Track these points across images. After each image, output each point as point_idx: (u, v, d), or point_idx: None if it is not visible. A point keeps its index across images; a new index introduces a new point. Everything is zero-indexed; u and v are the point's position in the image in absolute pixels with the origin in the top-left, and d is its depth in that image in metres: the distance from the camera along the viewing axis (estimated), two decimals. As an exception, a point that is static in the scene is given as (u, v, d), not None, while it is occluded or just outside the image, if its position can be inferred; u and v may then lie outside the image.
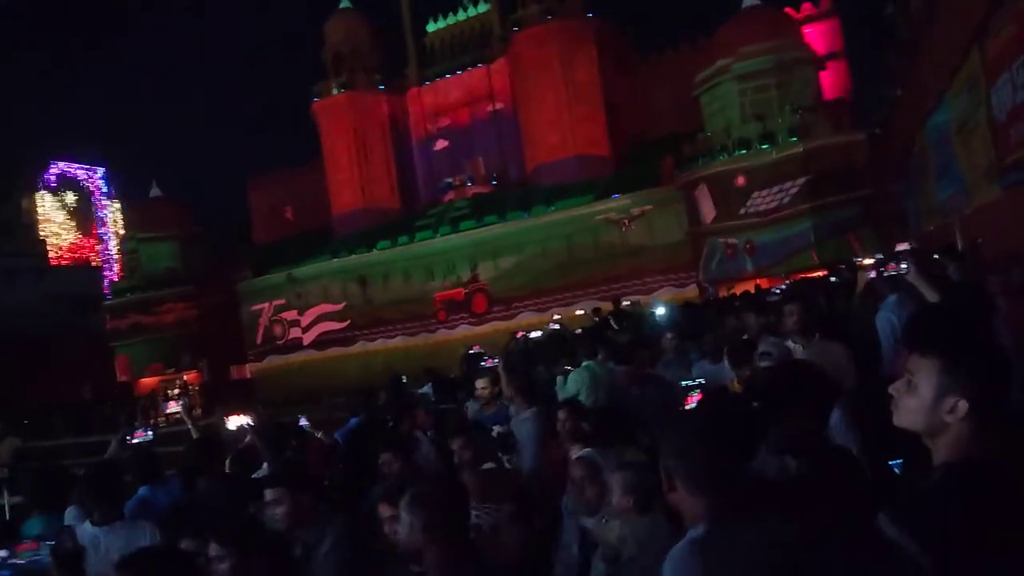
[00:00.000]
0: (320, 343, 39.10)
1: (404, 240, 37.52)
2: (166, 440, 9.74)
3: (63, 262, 60.62)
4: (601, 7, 38.09)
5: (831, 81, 33.09)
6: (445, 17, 43.24)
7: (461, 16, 42.86)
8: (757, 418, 2.16)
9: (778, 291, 11.21)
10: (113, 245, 62.62)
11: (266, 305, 40.52)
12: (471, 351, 11.78)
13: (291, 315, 39.94)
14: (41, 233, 60.91)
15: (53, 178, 64.00)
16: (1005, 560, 1.45)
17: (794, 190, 26.34)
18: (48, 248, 60.53)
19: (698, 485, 1.84)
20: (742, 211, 27.36)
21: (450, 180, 40.57)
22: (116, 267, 57.66)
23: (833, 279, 12.12)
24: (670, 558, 1.85)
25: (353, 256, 38.34)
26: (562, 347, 8.86)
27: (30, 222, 60.27)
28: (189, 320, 39.96)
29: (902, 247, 6.34)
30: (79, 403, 33.33)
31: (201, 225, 43.36)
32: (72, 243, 63.59)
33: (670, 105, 35.12)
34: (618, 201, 32.29)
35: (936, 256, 8.21)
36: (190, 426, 7.13)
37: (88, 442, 17.74)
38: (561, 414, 4.54)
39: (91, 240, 65.30)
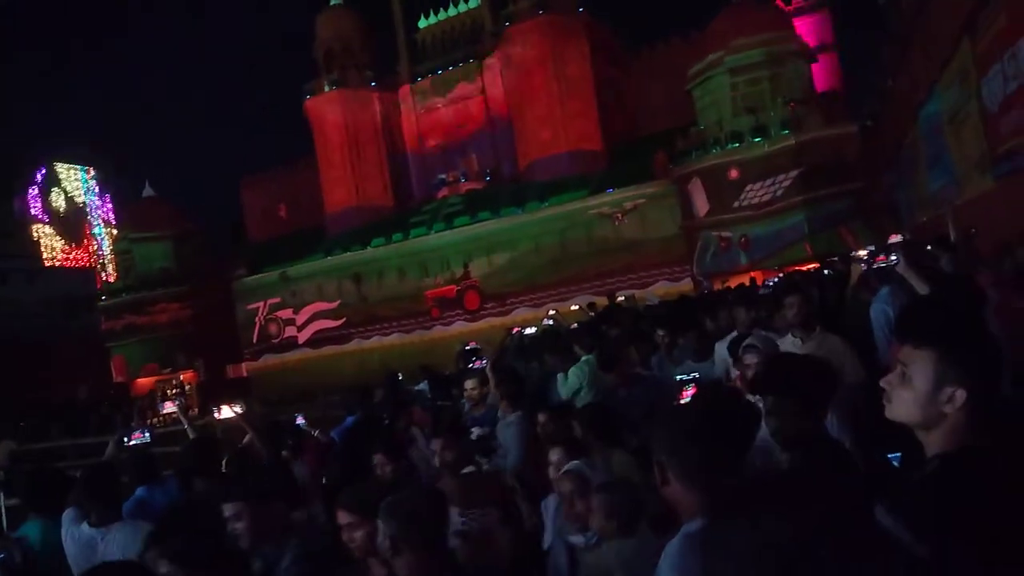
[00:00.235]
0: (315, 341, 39.07)
1: (398, 237, 37.48)
2: (163, 440, 9.73)
3: (57, 263, 60.41)
4: (592, 2, 38.07)
5: (823, 73, 33.19)
6: (436, 13, 43.15)
7: (452, 12, 42.79)
8: (752, 412, 2.16)
9: (771, 284, 11.23)
10: (106, 246, 62.43)
11: (261, 304, 40.47)
12: (466, 347, 11.75)
13: (286, 314, 39.90)
14: (34, 234, 60.70)
15: (46, 178, 63.72)
16: (1001, 550, 1.45)
17: (787, 183, 26.40)
18: (41, 249, 60.31)
19: (692, 479, 1.84)
20: (735, 204, 27.41)
21: (443, 176, 40.51)
22: (110, 268, 57.48)
23: (827, 271, 12.15)
24: (666, 555, 1.85)
25: (347, 254, 38.30)
26: (557, 342, 8.85)
27: (23, 223, 60.05)
28: (184, 320, 39.85)
29: (894, 239, 6.35)
30: (75, 405, 33.21)
31: (195, 225, 43.26)
32: (65, 244, 63.34)
33: (663, 99, 35.16)
34: (612, 196, 32.30)
35: (929, 247, 8.23)
36: (186, 426, 7.12)
37: (85, 443, 17.66)
38: (541, 417, 4.51)
39: (84, 241, 65.07)
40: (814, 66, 30.36)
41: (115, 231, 55.66)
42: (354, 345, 37.59)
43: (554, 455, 3.69)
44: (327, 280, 38.66)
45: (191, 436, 6.60)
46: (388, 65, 43.47)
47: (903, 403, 1.71)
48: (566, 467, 3.39)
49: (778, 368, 2.82)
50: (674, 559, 1.81)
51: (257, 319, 40.65)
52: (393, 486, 3.41)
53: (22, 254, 56.03)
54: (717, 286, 21.63)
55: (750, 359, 3.94)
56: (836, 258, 13.10)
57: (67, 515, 4.44)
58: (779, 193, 26.61)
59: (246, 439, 6.44)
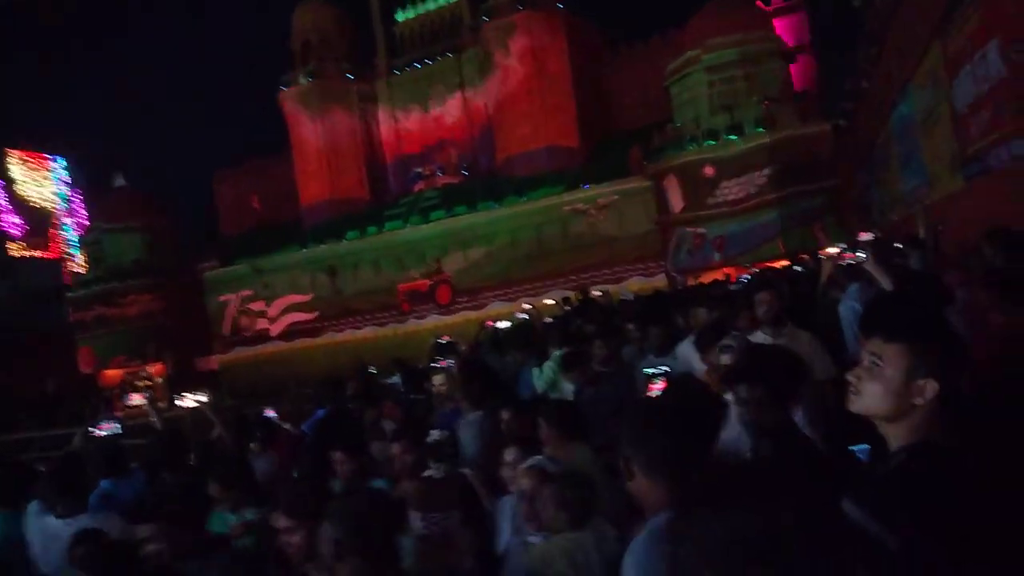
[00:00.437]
0: (288, 334, 38.75)
1: (373, 230, 37.28)
2: (130, 433, 9.60)
3: (24, 255, 59.33)
4: (572, -1, 38.10)
5: (800, 73, 33.43)
6: (415, 6, 42.92)
7: (431, 6, 42.59)
8: (719, 406, 2.17)
9: (745, 279, 11.32)
10: (76, 237, 61.41)
11: (233, 296, 40.06)
12: (440, 341, 11.71)
13: (258, 306, 39.53)
14: (2, 224, 59.55)
15: (13, 167, 62.50)
16: (969, 539, 1.46)
17: (761, 180, 26.64)
18: (8, 240, 59.18)
19: (659, 473, 1.83)
20: (710, 201, 27.61)
21: (419, 170, 40.36)
22: (80, 259, 56.57)
23: (798, 268, 12.27)
24: (630, 551, 1.83)
25: (322, 246, 38.01)
26: (531, 336, 8.85)
27: (-11, 212, 58.90)
28: (154, 312, 39.40)
29: (864, 237, 6.43)
30: (43, 396, 32.75)
31: (167, 216, 42.74)
32: (35, 236, 62.20)
33: (641, 96, 35.30)
34: (588, 192, 32.38)
35: (899, 246, 8.33)
36: (154, 419, 7.03)
37: (53, 435, 17.40)
38: (505, 414, 4.47)
39: (54, 232, 63.95)
40: (791, 65, 30.63)
41: (86, 221, 54.81)
42: (327, 338, 37.34)
43: (509, 455, 3.60)
44: (301, 273, 38.37)
45: (159, 429, 6.53)
46: (366, 58, 43.19)
47: (873, 395, 1.72)
48: (527, 462, 3.29)
49: (752, 358, 2.85)
50: (639, 555, 1.79)
51: (229, 311, 40.24)
52: (333, 488, 3.33)
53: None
54: (691, 282, 21.77)
55: (727, 359, 3.93)
56: (807, 255, 13.24)
57: (32, 507, 4.41)
58: (753, 190, 26.85)
59: (215, 432, 6.38)
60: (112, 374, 37.92)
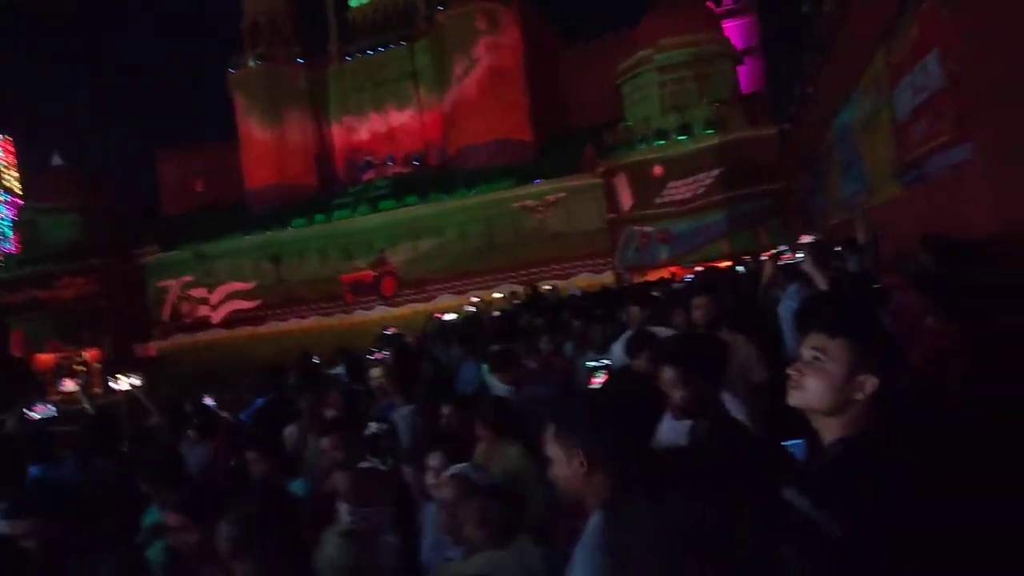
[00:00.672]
0: (230, 322, 38.04)
1: (321, 218, 36.78)
2: (63, 419, 9.32)
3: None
4: (528, -7, 38.09)
5: (748, 76, 34.03)
6: (368, -8, 42.43)
7: (385, -8, 42.15)
8: (658, 397, 2.18)
9: (689, 279, 11.48)
10: (10, 216, 59.25)
11: (174, 282, 39.14)
12: (386, 332, 11.61)
13: (200, 292, 38.71)
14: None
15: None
16: (911, 526, 1.51)
17: (709, 181, 27.09)
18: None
19: (600, 465, 1.83)
20: (658, 200, 27.97)
21: (370, 159, 39.92)
22: (12, 239, 54.59)
23: (740, 269, 12.50)
24: (576, 550, 1.82)
25: (267, 233, 37.36)
26: (477, 329, 8.83)
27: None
28: (90, 295, 38.25)
29: (805, 239, 6.61)
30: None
31: (105, 197, 41.48)
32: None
33: (594, 94, 35.49)
34: (539, 187, 32.46)
35: (839, 249, 8.53)
36: (87, 405, 6.83)
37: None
38: (445, 409, 4.37)
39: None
40: (740, 68, 31.16)
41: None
42: (271, 327, 36.76)
43: (433, 460, 3.37)
44: (244, 259, 37.66)
45: (91, 414, 6.34)
46: (318, 43, 42.52)
47: (814, 389, 1.75)
48: (451, 470, 3.06)
49: (684, 341, 2.90)
50: (580, 552, 1.78)
51: (169, 297, 39.30)
52: (225, 487, 3.16)
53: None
54: (637, 280, 22.00)
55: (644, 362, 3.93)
56: (749, 256, 13.51)
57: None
58: (701, 191, 27.29)
59: (152, 420, 6.22)
60: (46, 358, 36.75)
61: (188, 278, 38.76)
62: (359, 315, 34.83)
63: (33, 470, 4.90)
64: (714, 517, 0.91)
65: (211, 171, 44.91)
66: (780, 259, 5.56)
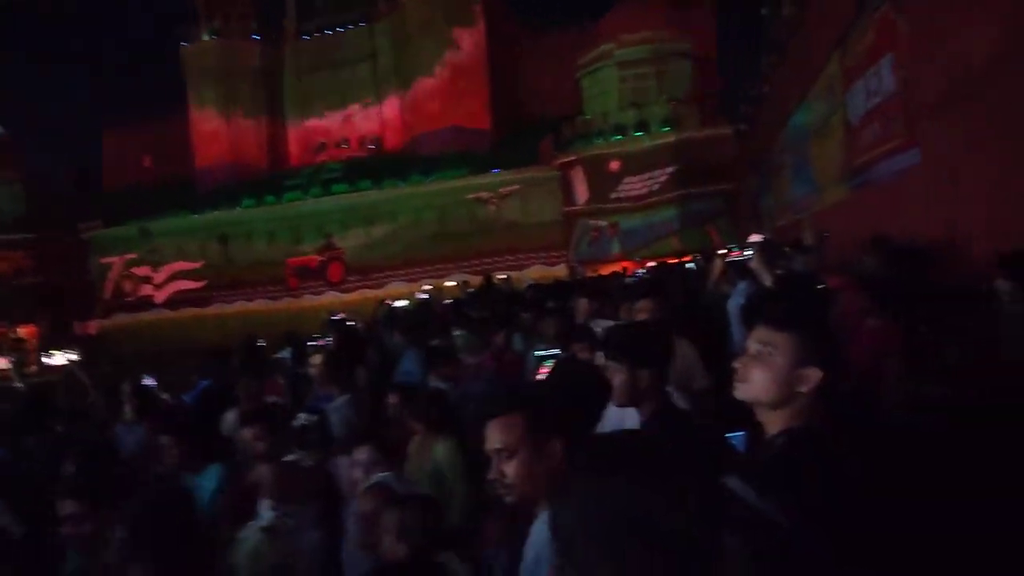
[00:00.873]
0: (174, 302, 37.20)
1: (271, 200, 36.14)
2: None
3: None
4: (490, -19, 37.83)
5: (705, 75, 34.33)
6: (329, -30, 41.70)
7: (345, -29, 41.49)
8: (604, 384, 2.18)
9: (641, 273, 11.56)
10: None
11: (117, 259, 38.10)
12: (334, 317, 11.47)
13: (144, 271, 37.76)
14: None
15: None
16: (855, 526, 1.53)
17: (663, 178, 27.38)
18: None
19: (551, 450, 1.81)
20: (613, 195, 28.19)
21: (324, 141, 39.35)
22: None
23: (691, 266, 12.65)
24: (526, 550, 1.81)
25: (215, 213, 36.57)
26: (427, 318, 8.76)
27: None
28: (26, 270, 37.05)
29: (755, 238, 6.70)
30: None
31: (48, 169, 40.23)
32: None
33: (554, 86, 35.46)
34: (497, 176, 32.40)
35: (787, 249, 8.67)
36: (19, 383, 6.59)
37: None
38: (392, 398, 4.33)
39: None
40: (697, 67, 31.42)
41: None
42: (216, 308, 36.05)
43: (361, 454, 3.20)
44: (191, 239, 36.82)
45: (23, 392, 6.13)
46: (274, 19, 41.70)
47: (760, 381, 1.77)
48: (371, 481, 2.84)
49: (626, 331, 2.92)
50: (529, 548, 1.76)
51: (112, 275, 38.26)
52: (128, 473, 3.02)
53: None
54: (591, 273, 22.09)
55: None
56: (699, 254, 13.68)
57: None
58: (655, 188, 27.58)
59: (89, 398, 6.04)
60: (-25, 335, 35.47)
61: (132, 255, 37.77)
62: (308, 300, 34.36)
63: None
64: (659, 505, 0.90)
65: (159, 146, 43.78)
66: (729, 255, 5.64)
